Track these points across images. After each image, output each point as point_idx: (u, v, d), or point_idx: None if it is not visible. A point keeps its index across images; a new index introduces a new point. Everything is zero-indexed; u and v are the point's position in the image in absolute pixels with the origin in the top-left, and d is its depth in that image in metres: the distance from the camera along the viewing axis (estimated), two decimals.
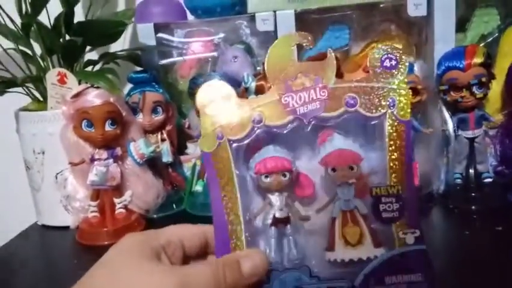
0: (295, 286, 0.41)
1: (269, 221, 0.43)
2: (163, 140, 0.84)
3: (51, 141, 0.77)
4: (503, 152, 0.76)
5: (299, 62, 0.44)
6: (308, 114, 0.43)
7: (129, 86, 0.84)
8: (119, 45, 1.01)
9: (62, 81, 0.78)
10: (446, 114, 0.76)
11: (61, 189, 0.76)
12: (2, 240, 0.79)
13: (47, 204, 0.82)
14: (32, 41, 0.83)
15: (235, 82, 0.76)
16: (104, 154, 0.74)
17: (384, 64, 0.43)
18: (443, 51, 0.77)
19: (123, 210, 0.76)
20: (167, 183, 0.84)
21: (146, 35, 0.90)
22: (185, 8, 0.93)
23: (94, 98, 0.72)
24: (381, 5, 0.86)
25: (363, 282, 0.40)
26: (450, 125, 0.75)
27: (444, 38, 0.80)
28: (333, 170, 0.43)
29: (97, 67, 0.88)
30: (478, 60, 0.71)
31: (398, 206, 0.42)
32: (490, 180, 0.76)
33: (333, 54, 0.43)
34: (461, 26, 0.85)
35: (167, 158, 0.84)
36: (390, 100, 0.42)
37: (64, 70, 0.78)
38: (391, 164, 0.42)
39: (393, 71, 0.43)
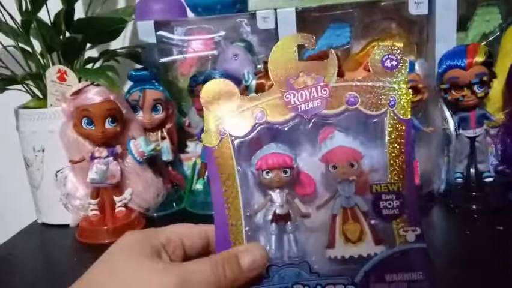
0: (295, 282, 0.40)
1: (270, 217, 0.44)
2: (163, 138, 0.84)
3: (51, 139, 0.77)
4: (504, 151, 0.76)
5: (300, 60, 0.44)
6: (309, 111, 0.43)
7: (129, 83, 0.84)
8: (119, 43, 1.01)
9: (62, 78, 0.77)
10: (447, 113, 0.76)
11: (61, 187, 0.76)
12: (2, 238, 0.79)
13: (47, 202, 0.82)
14: (32, 38, 0.83)
15: (235, 80, 0.75)
16: (104, 152, 0.74)
17: (385, 64, 0.43)
18: (445, 50, 0.77)
19: (123, 209, 0.76)
20: (168, 181, 0.84)
21: (147, 32, 0.90)
22: (186, 6, 0.93)
23: (94, 95, 0.72)
24: (382, 3, 0.86)
25: (364, 279, 0.40)
26: (451, 124, 0.75)
27: (445, 37, 0.80)
28: (334, 167, 0.44)
29: (97, 64, 0.88)
30: (479, 59, 0.71)
31: (398, 203, 0.42)
32: (490, 179, 0.76)
33: (334, 53, 0.44)
34: (463, 24, 0.85)
35: (167, 156, 0.84)
36: (391, 99, 0.43)
37: (64, 67, 0.78)
38: (391, 162, 0.42)
39: (394, 71, 0.43)
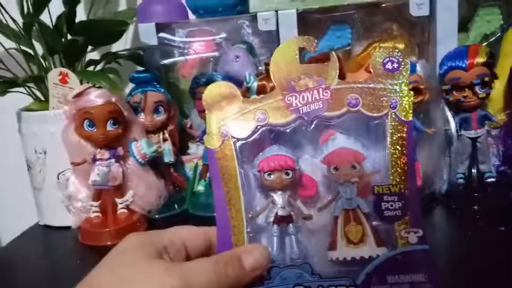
0: (297, 283, 0.40)
1: (271, 219, 0.44)
2: (164, 140, 0.84)
3: (53, 141, 0.77)
4: (506, 152, 0.76)
5: (302, 62, 0.44)
6: (311, 113, 0.43)
7: (131, 85, 0.84)
8: (121, 45, 1.01)
9: (63, 81, 0.78)
10: (449, 114, 0.76)
11: (63, 189, 0.76)
12: (4, 240, 0.79)
13: (49, 205, 0.82)
14: (33, 41, 0.83)
15: (236, 82, 0.75)
16: (106, 154, 0.74)
17: (386, 66, 0.43)
18: (446, 51, 0.77)
19: (125, 211, 0.76)
20: (169, 183, 0.84)
21: (148, 34, 0.90)
22: (187, 8, 0.93)
23: (96, 97, 0.72)
24: (383, 5, 0.86)
25: (365, 281, 0.40)
26: (452, 125, 0.75)
27: (446, 38, 0.80)
28: (336, 168, 0.44)
29: (99, 67, 0.88)
30: (480, 59, 0.72)
31: (400, 204, 0.42)
32: (492, 180, 0.76)
33: (335, 55, 0.44)
34: (464, 25, 0.85)
35: (169, 158, 0.84)
36: (393, 101, 0.43)
37: (65, 70, 0.78)
38: (393, 164, 0.43)
39: (395, 73, 0.43)
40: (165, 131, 0.84)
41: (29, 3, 0.79)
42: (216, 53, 0.92)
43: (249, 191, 0.44)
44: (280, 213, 0.44)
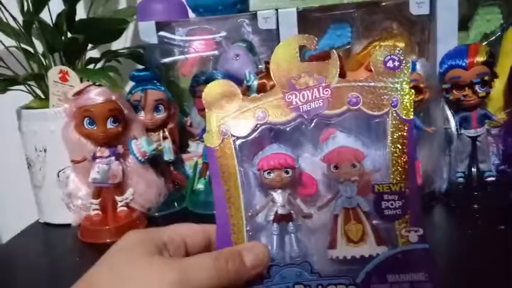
0: (296, 282, 0.40)
1: (271, 218, 0.44)
2: (164, 138, 0.84)
3: (53, 139, 0.77)
4: (506, 151, 0.76)
5: (302, 61, 0.44)
6: (311, 112, 0.43)
7: (131, 84, 0.84)
8: (121, 43, 1.01)
9: (64, 79, 0.78)
10: (449, 113, 0.76)
11: (63, 187, 0.76)
12: (4, 237, 0.79)
13: (49, 202, 0.82)
14: (33, 39, 0.83)
15: (237, 80, 0.75)
16: (106, 152, 0.74)
17: (387, 65, 0.43)
18: (446, 50, 0.77)
19: (125, 208, 0.76)
20: (169, 181, 0.84)
21: (148, 33, 0.90)
22: (187, 6, 0.93)
23: (96, 95, 0.72)
24: (383, 3, 0.86)
25: (365, 280, 0.40)
26: (452, 124, 0.75)
27: (446, 37, 0.80)
28: (336, 167, 0.44)
29: (99, 65, 0.88)
30: (480, 58, 0.71)
31: (400, 203, 0.42)
32: (492, 179, 0.76)
33: (336, 53, 0.44)
34: (464, 24, 0.84)
35: (169, 156, 0.84)
36: (393, 99, 0.43)
37: (65, 68, 0.78)
38: (394, 162, 0.43)
39: (396, 71, 0.43)
40: (165, 129, 0.84)
41: (29, 1, 0.79)
42: (216, 52, 0.91)
43: (248, 189, 0.44)
44: (280, 211, 0.44)
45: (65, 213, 0.77)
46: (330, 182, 0.45)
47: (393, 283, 0.40)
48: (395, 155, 0.42)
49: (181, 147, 0.89)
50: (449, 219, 0.74)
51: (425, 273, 0.40)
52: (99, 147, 0.74)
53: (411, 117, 0.43)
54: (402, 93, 0.43)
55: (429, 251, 0.41)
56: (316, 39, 0.44)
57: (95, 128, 0.72)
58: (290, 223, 0.44)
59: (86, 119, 0.72)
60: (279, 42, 0.46)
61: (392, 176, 0.42)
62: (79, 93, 0.72)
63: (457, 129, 0.75)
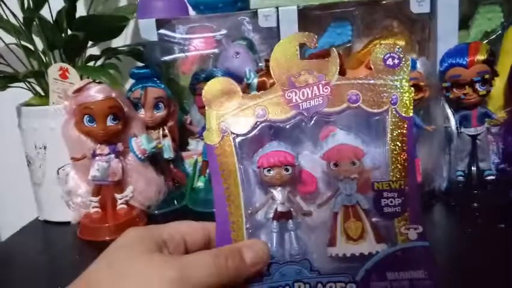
0: (296, 279, 0.40)
1: (271, 215, 0.44)
2: (164, 136, 0.84)
3: (53, 136, 0.77)
4: (506, 150, 0.76)
5: (302, 59, 0.44)
6: (311, 109, 0.43)
7: (131, 81, 0.84)
8: (121, 41, 1.01)
9: (64, 76, 0.78)
10: (449, 111, 0.76)
11: (63, 185, 0.76)
12: (4, 235, 0.79)
13: (49, 200, 0.82)
14: (34, 36, 0.83)
15: (237, 78, 0.75)
16: (105, 149, 0.74)
17: (387, 62, 0.43)
18: (446, 48, 0.77)
19: (124, 206, 0.76)
20: (169, 179, 0.84)
21: (148, 30, 0.90)
22: (188, 4, 0.93)
23: (96, 93, 0.72)
24: (383, 2, 0.86)
25: (365, 278, 0.40)
26: (452, 122, 0.75)
27: (447, 35, 0.80)
28: (335, 164, 0.44)
29: (99, 62, 0.88)
30: (481, 57, 0.71)
31: (400, 201, 0.42)
32: (492, 177, 0.76)
33: (336, 51, 0.44)
34: (464, 23, 0.84)
35: (168, 154, 0.84)
36: (393, 97, 0.43)
37: (65, 65, 0.78)
38: (393, 160, 0.42)
39: (396, 69, 0.43)
40: (165, 127, 0.84)
41: None
42: (216, 50, 0.92)
43: (248, 187, 0.44)
44: (279, 209, 0.44)
45: (65, 211, 0.77)
46: (330, 179, 0.45)
47: (393, 281, 0.40)
48: (395, 152, 0.42)
49: (181, 145, 0.89)
50: (449, 218, 0.74)
51: (424, 270, 0.40)
52: (99, 145, 0.74)
53: (411, 114, 0.43)
54: (401, 90, 0.43)
55: (429, 248, 0.41)
56: (316, 37, 0.44)
57: (95, 125, 0.72)
58: (290, 221, 0.44)
59: (86, 116, 0.72)
60: (280, 40, 0.45)
61: (391, 174, 0.42)
62: (79, 91, 0.72)
63: (457, 127, 0.75)
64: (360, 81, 0.43)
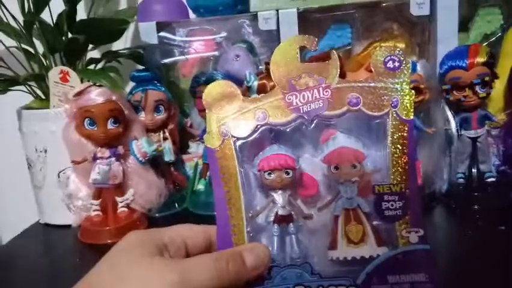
0: (297, 283, 0.41)
1: (272, 218, 0.44)
2: (165, 138, 0.84)
3: (53, 140, 0.77)
4: (506, 152, 0.76)
5: (302, 62, 0.44)
6: (311, 112, 0.43)
7: (131, 84, 0.84)
8: (122, 44, 1.01)
9: (64, 79, 0.78)
10: (449, 114, 0.76)
11: (63, 188, 0.76)
12: (4, 238, 0.79)
13: (49, 203, 0.82)
14: (34, 39, 0.83)
15: (237, 81, 0.75)
16: (106, 152, 0.74)
17: (387, 65, 0.43)
18: (446, 51, 0.77)
19: (125, 209, 0.76)
20: (170, 182, 0.84)
21: (149, 33, 0.90)
22: (188, 7, 0.93)
23: (97, 96, 0.72)
24: (383, 4, 0.86)
25: (366, 281, 0.40)
26: (453, 125, 0.75)
27: (447, 38, 0.80)
28: (336, 168, 0.44)
29: (99, 65, 0.88)
30: (481, 59, 0.71)
31: (401, 204, 0.42)
32: (492, 179, 0.76)
33: (336, 54, 0.44)
34: (464, 25, 0.84)
35: (169, 157, 0.84)
36: (393, 100, 0.43)
37: (66, 68, 0.78)
38: (394, 163, 0.43)
39: (396, 71, 0.43)
40: (165, 130, 0.84)
41: (30, 2, 0.79)
42: (217, 52, 0.92)
43: (249, 190, 0.44)
44: (280, 212, 0.44)
45: (66, 214, 0.77)
46: (331, 182, 0.45)
47: (394, 284, 0.40)
48: (395, 155, 0.42)
49: (181, 148, 0.89)
50: (450, 220, 0.74)
51: (425, 274, 0.40)
52: (99, 148, 0.74)
53: (412, 117, 0.43)
54: (402, 93, 0.43)
55: (430, 251, 0.41)
56: (316, 40, 0.44)
57: (96, 128, 0.72)
58: (291, 224, 0.44)
59: (86, 119, 0.72)
60: (280, 43, 0.45)
61: (392, 177, 0.42)
62: (79, 94, 0.72)
63: (457, 130, 0.75)
64: (360, 84, 0.43)
